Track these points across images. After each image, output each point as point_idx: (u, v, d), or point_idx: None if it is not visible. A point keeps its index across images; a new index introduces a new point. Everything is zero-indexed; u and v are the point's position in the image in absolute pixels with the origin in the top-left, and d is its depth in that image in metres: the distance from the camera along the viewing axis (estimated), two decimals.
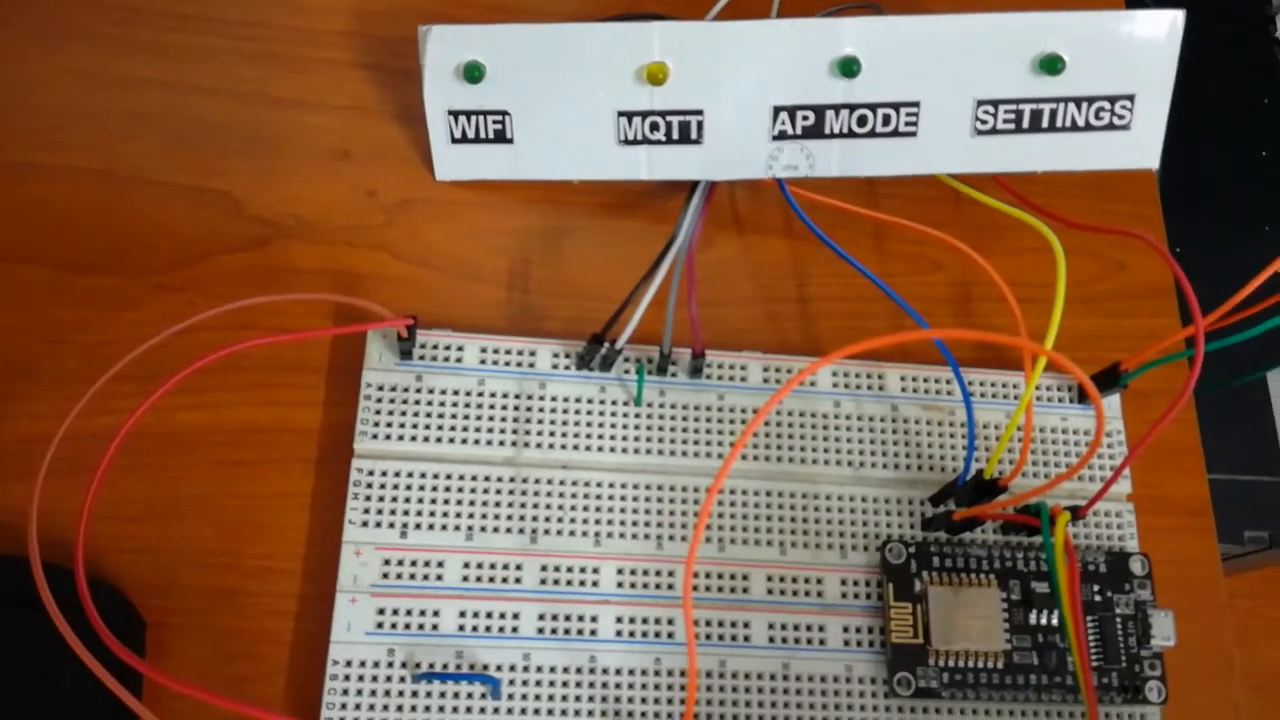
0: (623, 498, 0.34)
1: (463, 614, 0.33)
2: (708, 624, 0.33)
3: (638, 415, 0.35)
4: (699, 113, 0.37)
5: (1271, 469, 0.52)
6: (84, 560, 0.28)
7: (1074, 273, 0.40)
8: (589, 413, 0.35)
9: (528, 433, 0.35)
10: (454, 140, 0.38)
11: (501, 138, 0.38)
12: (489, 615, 0.33)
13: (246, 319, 0.35)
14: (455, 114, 0.38)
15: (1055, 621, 0.34)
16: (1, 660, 0.30)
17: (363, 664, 0.32)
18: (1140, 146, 0.37)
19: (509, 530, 0.34)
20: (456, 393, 0.35)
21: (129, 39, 0.40)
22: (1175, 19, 0.35)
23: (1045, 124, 0.36)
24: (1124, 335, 0.40)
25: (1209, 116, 0.57)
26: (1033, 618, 0.34)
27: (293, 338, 0.33)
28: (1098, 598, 0.34)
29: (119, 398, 0.32)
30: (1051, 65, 0.35)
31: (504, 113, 0.37)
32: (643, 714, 0.32)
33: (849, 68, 0.36)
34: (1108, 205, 0.42)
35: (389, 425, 0.34)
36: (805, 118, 0.37)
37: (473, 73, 0.37)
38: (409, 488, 0.34)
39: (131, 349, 0.35)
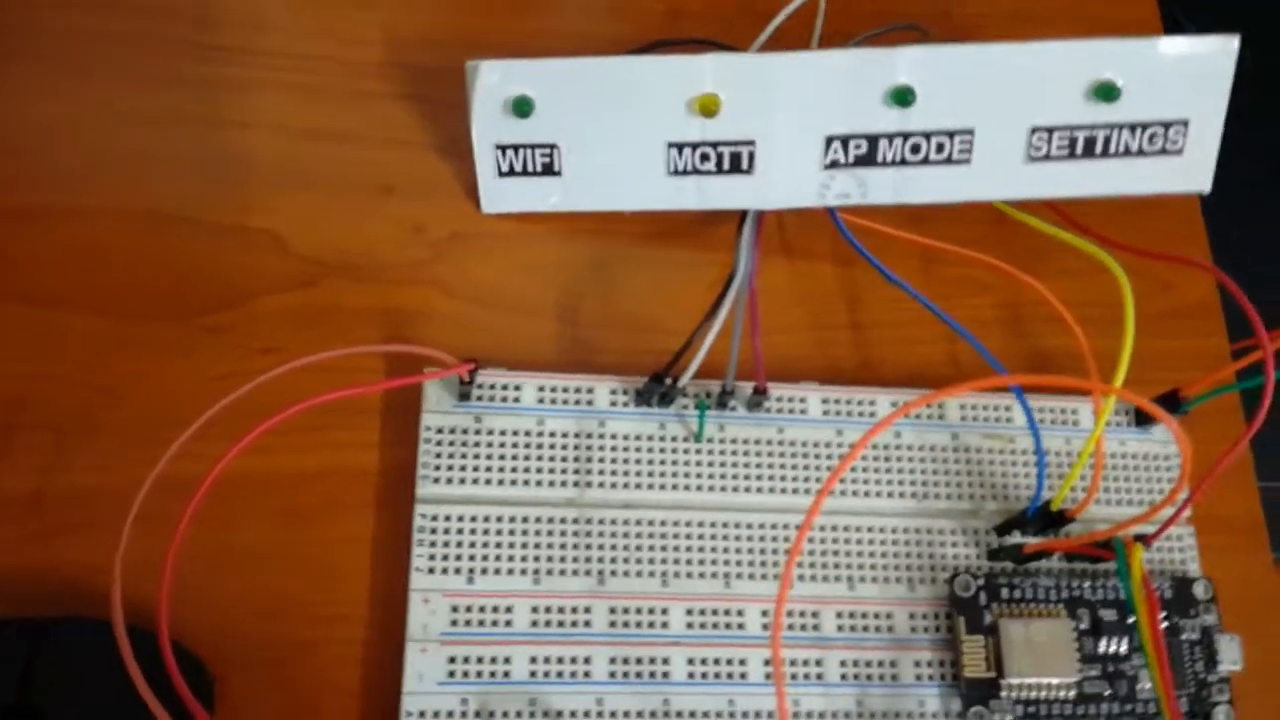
0: (688, 536, 0.34)
1: (534, 659, 0.32)
2: (781, 663, 0.33)
3: (698, 451, 0.35)
4: (751, 143, 0.36)
5: None
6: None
7: (1117, 293, 0.41)
8: (650, 450, 0.35)
9: (589, 472, 0.34)
10: (501, 174, 0.38)
11: (549, 170, 0.37)
12: (559, 660, 0.32)
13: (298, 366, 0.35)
14: (503, 148, 0.37)
15: (1124, 649, 0.34)
16: None
17: (436, 714, 0.31)
18: (1193, 171, 0.37)
19: (575, 572, 0.33)
20: (516, 433, 0.34)
21: (162, 73, 0.40)
22: (1230, 44, 0.35)
23: (1099, 150, 0.36)
24: (1172, 356, 0.40)
25: (1249, 133, 0.57)
26: (1102, 646, 0.34)
27: (357, 392, 0.32)
28: (1164, 624, 0.34)
29: (166, 447, 0.31)
30: (1107, 92, 0.35)
31: (552, 146, 0.37)
32: None
33: (904, 97, 0.35)
34: (1151, 224, 0.41)
35: (450, 469, 0.34)
36: (858, 146, 0.36)
37: (522, 107, 0.36)
38: (473, 532, 0.33)
39: (187, 397, 0.35)
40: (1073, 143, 0.36)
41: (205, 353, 0.36)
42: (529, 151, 0.37)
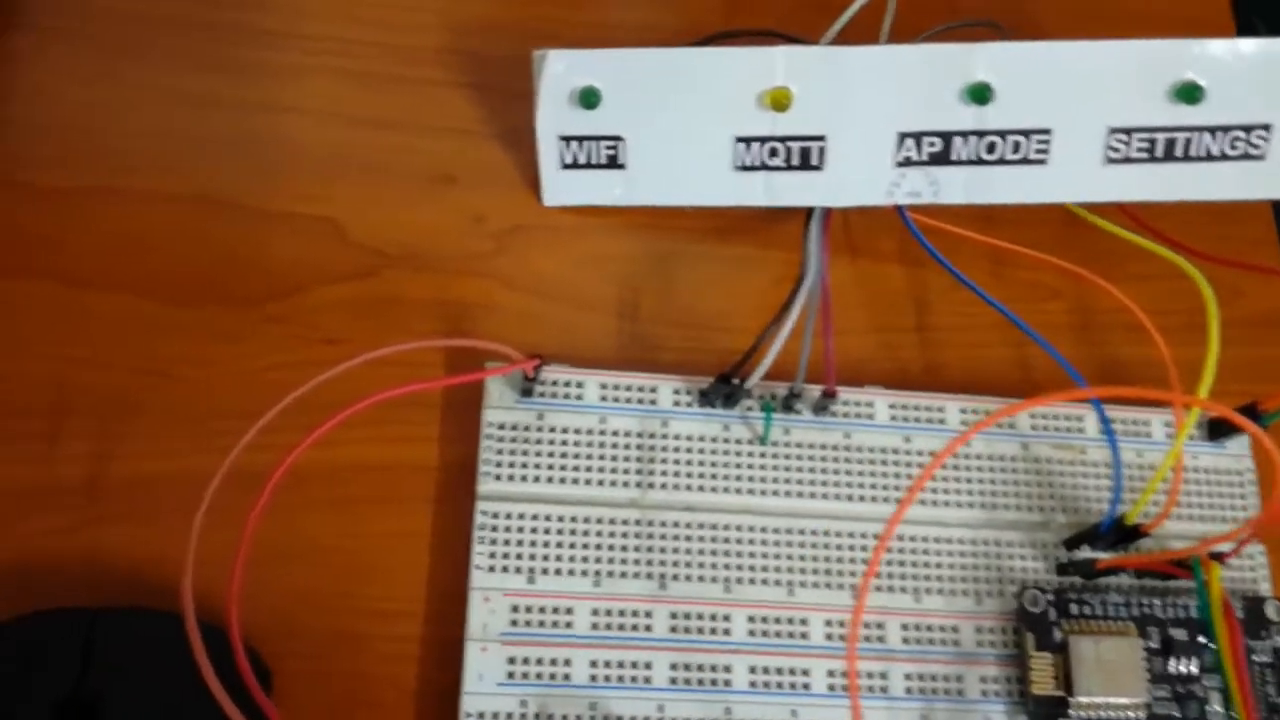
0: (751, 541, 0.33)
1: (594, 663, 0.32)
2: (844, 674, 0.32)
3: (763, 454, 0.34)
4: (821, 139, 0.36)
5: None
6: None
7: (1189, 300, 0.40)
8: (713, 452, 0.34)
9: (651, 473, 0.34)
10: (565, 165, 0.37)
11: (614, 163, 0.37)
12: (620, 665, 0.32)
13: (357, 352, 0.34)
14: (567, 139, 0.36)
15: (1195, 670, 0.33)
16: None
17: (495, 715, 0.31)
18: (1275, 177, 0.36)
19: (637, 575, 0.33)
20: (579, 431, 0.34)
21: (216, 56, 0.39)
22: None
23: (1179, 153, 0.35)
24: (1244, 365, 0.38)
25: None
26: (1172, 666, 0.33)
27: (424, 387, 0.32)
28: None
29: (219, 436, 0.30)
30: (1190, 94, 0.34)
31: (617, 138, 0.36)
32: None
33: (980, 94, 0.34)
34: (1222, 229, 0.40)
35: (511, 466, 0.33)
36: (932, 144, 0.35)
37: (589, 98, 0.35)
38: (534, 531, 0.33)
39: (238, 384, 0.34)
40: (1152, 145, 0.35)
41: (257, 340, 0.35)
42: (594, 144, 0.37)
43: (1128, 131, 0.35)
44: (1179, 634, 0.33)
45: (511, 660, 0.31)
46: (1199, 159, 0.35)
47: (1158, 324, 0.33)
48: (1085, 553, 0.34)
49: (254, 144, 0.38)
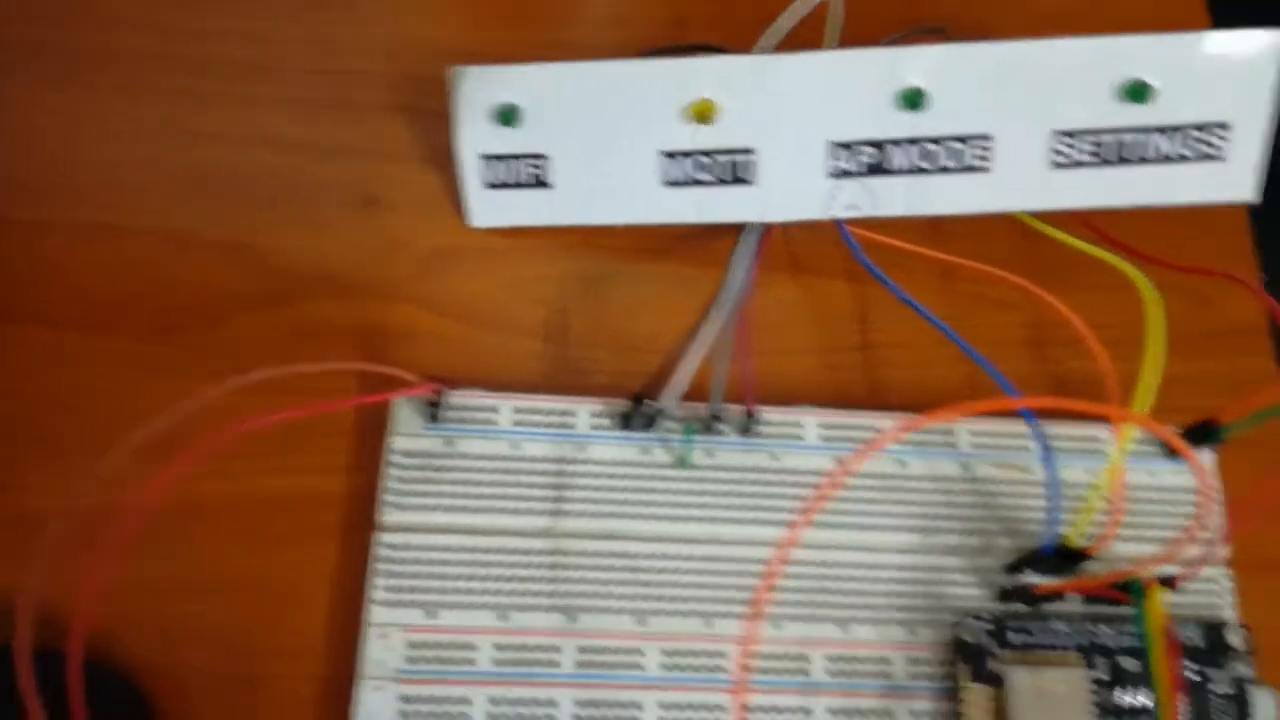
0: (669, 570, 0.32)
1: (494, 701, 0.30)
2: (764, 711, 0.30)
3: (685, 479, 0.33)
4: (750, 151, 0.34)
5: None
6: (88, 646, 0.26)
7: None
8: (632, 477, 0.33)
9: (566, 500, 0.32)
10: (488, 186, 0.36)
11: (539, 182, 0.35)
12: (523, 702, 0.30)
13: (268, 383, 0.33)
14: (489, 158, 0.35)
15: (1149, 702, 0.30)
16: None
17: None
18: (1235, 179, 0.34)
19: (546, 609, 0.31)
20: (490, 457, 0.32)
21: (142, 85, 0.39)
22: (1275, 39, 0.32)
23: (1131, 156, 0.33)
24: (1213, 378, 0.36)
25: None
26: (1119, 697, 0.31)
27: (310, 411, 0.30)
28: (1194, 676, 0.31)
29: (129, 470, 0.29)
30: (1138, 93, 0.32)
31: (541, 156, 0.35)
32: None
33: (913, 99, 0.33)
34: (1192, 237, 0.38)
35: (417, 495, 0.32)
36: (867, 154, 0.34)
37: (507, 116, 0.34)
38: (438, 562, 0.31)
39: (148, 414, 0.33)
40: (1101, 148, 0.33)
41: (173, 370, 0.34)
42: (517, 162, 0.35)
43: (1073, 134, 0.33)
44: (1130, 664, 0.31)
45: (406, 699, 0.30)
46: (1153, 161, 0.33)
47: (1119, 337, 0.31)
48: (1028, 578, 0.32)
49: (173, 171, 0.37)
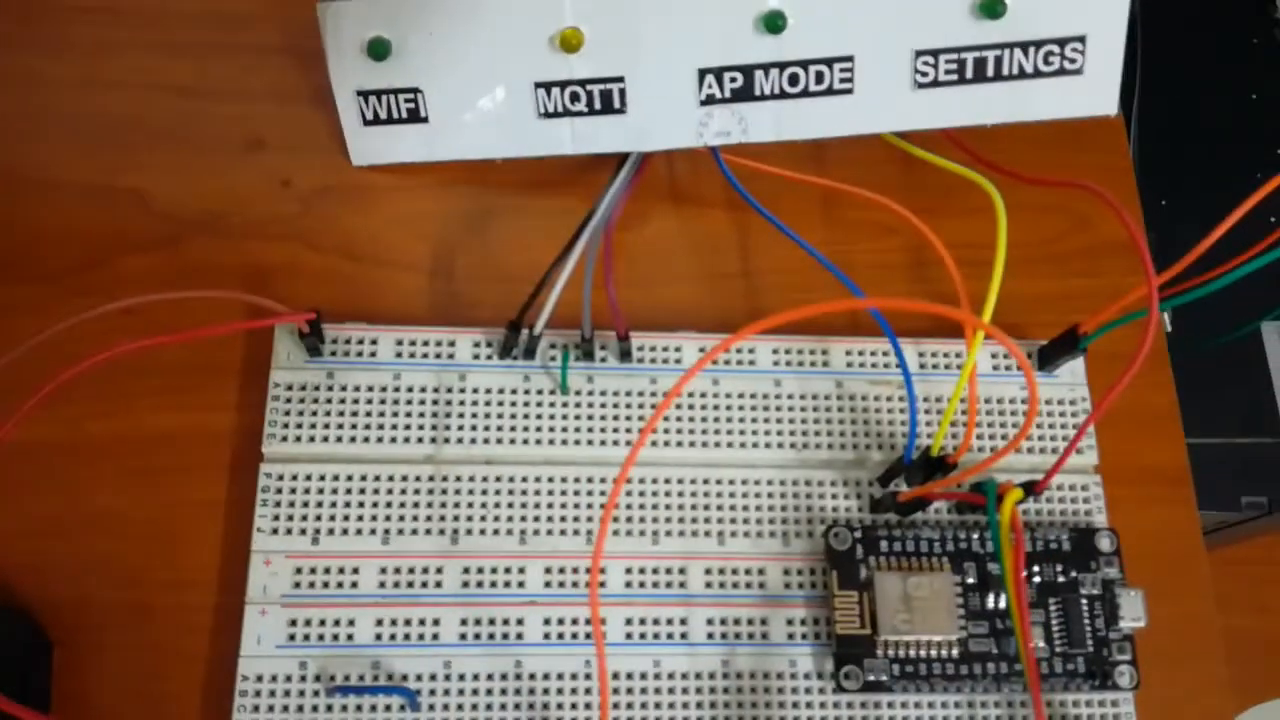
0: (550, 492, 0.32)
1: (379, 622, 0.31)
2: (642, 622, 0.31)
3: (564, 404, 0.33)
4: (620, 80, 0.35)
5: (1271, 430, 0.49)
6: None
7: (1035, 230, 0.38)
8: (513, 404, 0.33)
9: (447, 428, 0.33)
10: (366, 122, 0.36)
11: (416, 117, 0.36)
12: (407, 623, 0.31)
13: (155, 322, 0.34)
14: (365, 94, 0.36)
15: None
16: None
17: (274, 678, 0.30)
18: (1095, 92, 0.34)
19: (428, 532, 0.32)
20: (370, 389, 0.33)
21: (27, 35, 0.39)
22: None
23: (991, 73, 0.34)
24: (1091, 295, 0.37)
25: (1194, 59, 0.54)
26: (989, 602, 0.32)
27: (183, 337, 0.31)
28: (1061, 578, 0.32)
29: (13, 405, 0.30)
30: (992, 8, 0.33)
31: (416, 90, 0.35)
32: None
33: (774, 23, 0.33)
34: (1072, 156, 0.39)
35: (299, 426, 0.32)
36: (733, 79, 0.34)
37: (378, 49, 0.35)
38: (321, 491, 0.32)
39: (34, 356, 0.33)
40: (961, 65, 0.34)
41: (57, 312, 0.34)
42: (392, 97, 0.36)
43: (934, 53, 0.34)
44: (997, 569, 0.32)
45: (293, 622, 0.30)
46: (1012, 77, 0.34)
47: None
48: (896, 488, 0.33)
49: (66, 119, 0.38)
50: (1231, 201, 0.30)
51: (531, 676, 0.31)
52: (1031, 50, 0.34)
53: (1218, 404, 0.49)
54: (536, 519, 0.32)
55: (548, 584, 0.31)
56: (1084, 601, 0.32)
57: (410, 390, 0.33)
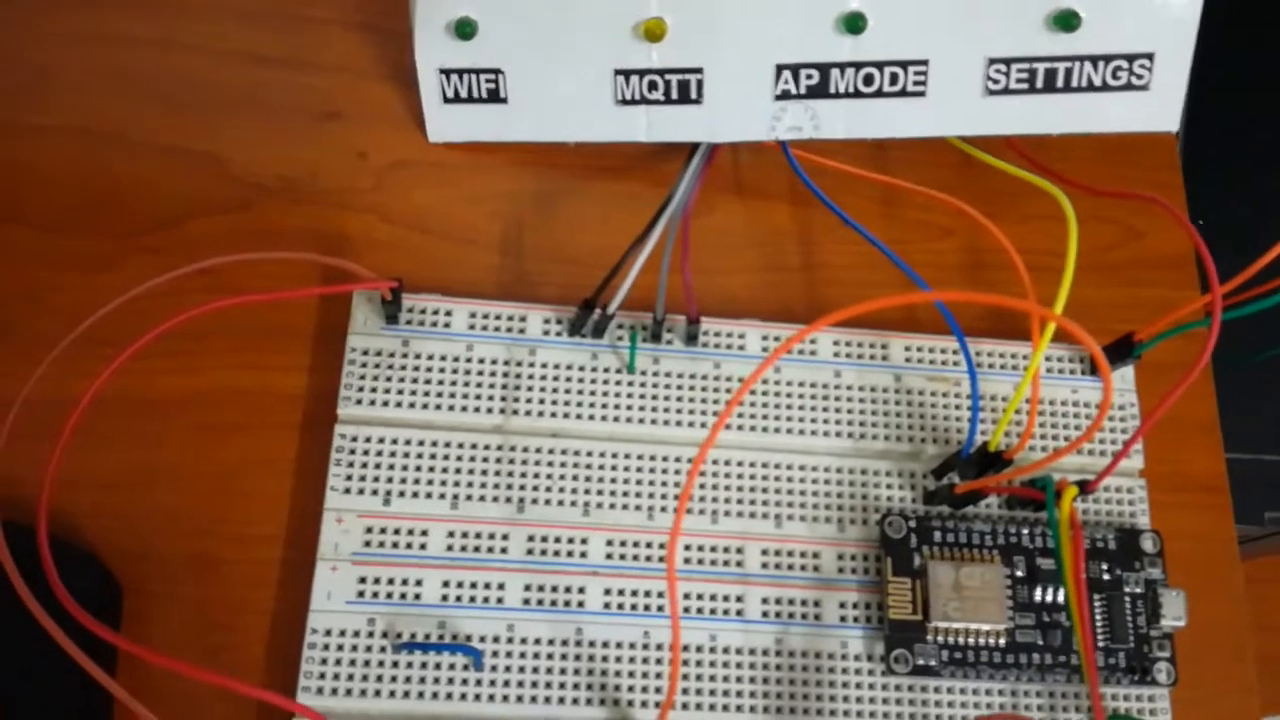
0: (613, 467, 0.33)
1: (446, 584, 0.32)
2: (699, 597, 0.32)
3: (630, 383, 0.34)
4: (699, 71, 0.35)
5: None
6: (56, 526, 0.27)
7: (1090, 240, 0.39)
8: (580, 380, 0.34)
9: (516, 400, 0.34)
10: (446, 100, 0.37)
11: (495, 97, 0.37)
12: (473, 585, 0.32)
13: (229, 283, 0.35)
14: (447, 73, 0.37)
15: (1061, 599, 0.32)
16: None
17: (342, 633, 0.31)
18: (1159, 108, 0.35)
19: (495, 499, 0.33)
20: (444, 358, 0.34)
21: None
22: None
23: (1060, 84, 0.35)
24: (1141, 305, 0.38)
25: (1239, 81, 0.55)
26: (1037, 595, 0.32)
27: (266, 297, 0.32)
28: (1106, 576, 0.33)
29: (95, 360, 0.30)
30: (1067, 21, 0.34)
31: (498, 71, 0.36)
32: (630, 688, 0.31)
33: (855, 24, 0.34)
34: (1125, 171, 0.40)
35: (373, 390, 0.33)
36: (809, 76, 0.35)
37: (464, 29, 0.35)
38: (393, 454, 0.33)
39: (109, 311, 0.34)
40: (1032, 75, 0.35)
41: (134, 269, 0.35)
42: (474, 77, 0.37)
43: (1007, 62, 0.35)
44: (1046, 563, 0.33)
45: (362, 580, 0.31)
46: (1081, 89, 0.35)
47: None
48: (951, 481, 0.34)
49: (141, 79, 0.38)
50: (1270, 222, 0.31)
51: (591, 644, 0.31)
52: (1101, 64, 0.35)
53: (1248, 419, 0.50)
54: (600, 492, 0.33)
55: (609, 556, 0.32)
56: (1127, 599, 0.33)
57: (482, 362, 0.34)
